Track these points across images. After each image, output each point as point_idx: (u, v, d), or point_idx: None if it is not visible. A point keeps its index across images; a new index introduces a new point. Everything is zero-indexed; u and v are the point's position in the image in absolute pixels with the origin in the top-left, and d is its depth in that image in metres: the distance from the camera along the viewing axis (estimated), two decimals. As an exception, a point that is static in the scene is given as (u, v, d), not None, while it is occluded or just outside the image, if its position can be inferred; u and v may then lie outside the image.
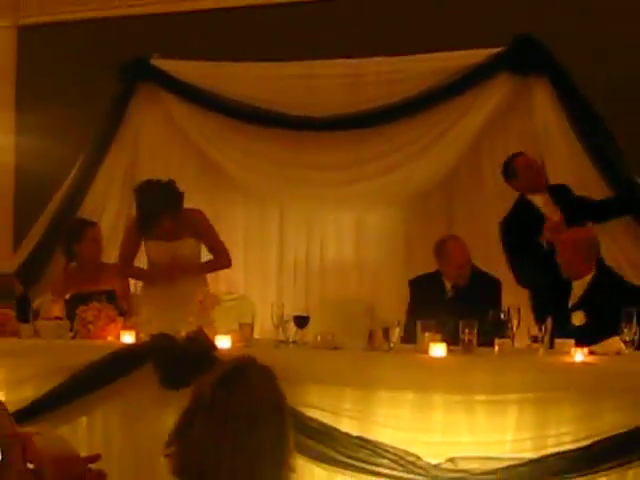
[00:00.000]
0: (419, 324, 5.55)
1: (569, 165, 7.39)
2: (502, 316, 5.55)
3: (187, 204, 6.83)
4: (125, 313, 6.31)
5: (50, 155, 8.73)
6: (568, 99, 7.37)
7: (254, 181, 8.22)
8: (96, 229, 7.28)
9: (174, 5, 8.57)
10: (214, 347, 5.52)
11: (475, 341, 5.36)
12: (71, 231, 7.31)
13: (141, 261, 7.11)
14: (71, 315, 6.07)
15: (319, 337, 5.73)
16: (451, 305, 6.72)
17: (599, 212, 7.15)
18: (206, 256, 7.00)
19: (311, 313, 5.89)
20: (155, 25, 8.61)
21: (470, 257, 7.05)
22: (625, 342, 5.30)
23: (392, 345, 5.52)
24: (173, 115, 8.39)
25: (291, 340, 5.78)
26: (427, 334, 5.47)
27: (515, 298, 6.56)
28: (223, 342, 5.61)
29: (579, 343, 5.28)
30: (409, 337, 5.73)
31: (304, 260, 8.25)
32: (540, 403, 4.99)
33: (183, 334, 5.58)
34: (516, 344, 5.49)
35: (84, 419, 5.63)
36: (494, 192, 7.73)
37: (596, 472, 4.82)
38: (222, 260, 6.95)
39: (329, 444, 5.05)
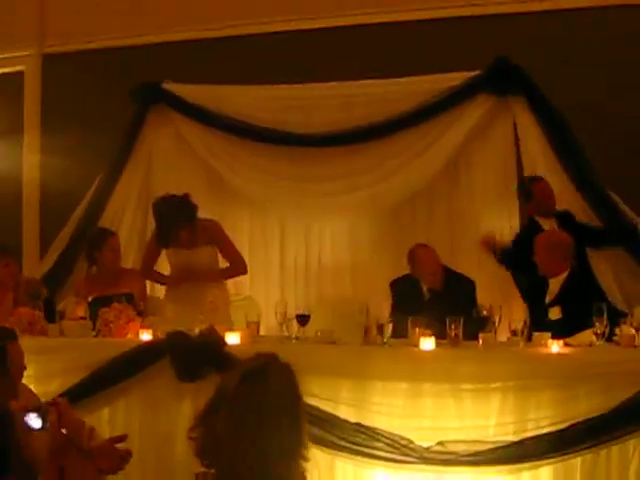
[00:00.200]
0: (410, 320, 5.56)
1: (548, 178, 7.37)
2: (485, 313, 5.57)
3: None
4: (143, 313, 6.30)
5: (72, 172, 8.72)
6: (544, 117, 7.38)
7: (257, 193, 8.21)
8: (115, 238, 7.24)
9: (184, 34, 8.55)
10: (224, 343, 5.53)
11: (461, 335, 5.37)
12: (93, 240, 7.28)
13: (164, 266, 7.14)
14: (93, 316, 6.06)
15: (319, 333, 5.74)
16: (429, 306, 6.74)
17: (597, 240, 7.14)
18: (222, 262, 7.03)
19: (311, 311, 5.87)
20: (166, 52, 8.59)
21: (440, 263, 7.08)
22: (596, 335, 5.31)
23: (385, 340, 5.52)
24: (183, 134, 8.38)
25: (294, 336, 5.78)
26: (417, 329, 5.48)
27: (492, 297, 6.51)
28: (232, 338, 5.62)
29: (555, 336, 5.29)
30: (393, 333, 5.72)
31: (303, 263, 8.24)
32: (521, 390, 5.02)
33: (196, 331, 5.58)
34: (498, 338, 5.51)
35: (106, 410, 5.62)
36: (471, 201, 7.80)
37: (572, 453, 4.84)
38: (239, 268, 7.02)
39: (329, 430, 5.04)
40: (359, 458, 5.08)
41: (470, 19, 7.87)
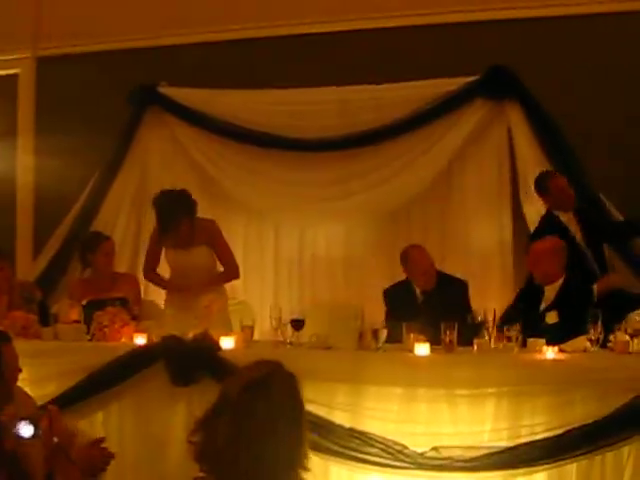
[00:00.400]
0: (404, 326, 5.57)
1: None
2: (479, 318, 5.58)
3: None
4: (137, 317, 6.30)
5: (66, 174, 8.70)
6: (537, 123, 7.43)
7: (251, 197, 8.23)
8: (109, 243, 7.25)
9: (179, 38, 8.55)
10: (219, 348, 5.53)
11: (455, 341, 5.38)
12: (86, 243, 7.29)
13: (164, 269, 7.15)
14: (87, 319, 6.06)
15: (314, 338, 5.74)
16: (423, 309, 6.76)
17: (615, 234, 7.17)
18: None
19: (305, 316, 5.88)
20: (162, 56, 8.61)
21: (433, 262, 7.08)
22: (591, 341, 5.33)
23: (380, 345, 5.54)
24: (178, 137, 8.40)
25: (288, 341, 5.80)
26: (412, 335, 5.49)
27: (485, 303, 6.52)
28: (227, 343, 5.62)
29: (552, 340, 5.32)
30: (388, 340, 5.73)
31: (298, 268, 8.26)
32: (515, 396, 5.02)
33: (191, 336, 5.59)
34: (492, 343, 5.50)
35: (100, 414, 5.63)
36: (465, 205, 7.85)
37: (566, 459, 4.84)
38: (231, 273, 7.01)
39: (324, 435, 5.03)
40: (353, 463, 5.08)
41: (465, 25, 7.90)
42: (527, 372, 5.12)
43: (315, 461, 4.82)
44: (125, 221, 8.38)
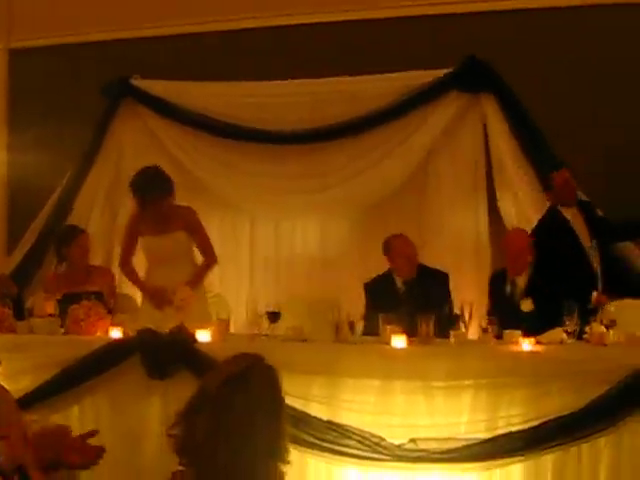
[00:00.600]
0: (381, 318, 5.56)
1: (516, 175, 7.42)
2: (456, 311, 5.59)
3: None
4: (112, 311, 6.27)
5: (40, 168, 8.65)
6: (513, 115, 7.42)
7: (226, 189, 8.21)
8: (84, 236, 7.25)
9: (153, 30, 8.50)
10: (195, 341, 5.51)
11: (432, 333, 5.38)
12: (61, 236, 7.28)
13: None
14: (62, 313, 6.02)
15: (290, 330, 5.73)
16: (404, 300, 6.76)
17: (613, 234, 7.12)
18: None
19: (280, 308, 5.87)
20: (135, 48, 8.56)
21: (416, 250, 7.07)
22: (567, 333, 5.35)
23: (357, 337, 5.53)
24: (152, 129, 8.38)
25: (264, 333, 5.78)
26: (389, 327, 5.48)
27: (463, 296, 6.52)
28: (203, 336, 5.59)
29: (530, 327, 5.38)
30: (368, 333, 5.72)
31: (274, 260, 8.26)
32: (492, 388, 5.01)
33: (167, 329, 5.56)
34: (469, 335, 5.52)
35: (76, 408, 5.60)
36: (441, 198, 7.84)
37: (543, 450, 4.85)
38: (210, 260, 6.95)
39: (301, 427, 5.00)
40: (331, 456, 5.06)
41: (441, 17, 7.90)
42: (504, 364, 5.11)
43: (292, 454, 4.81)
44: (100, 214, 8.36)
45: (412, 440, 4.96)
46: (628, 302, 6.14)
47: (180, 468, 3.01)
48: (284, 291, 7.93)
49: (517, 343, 5.25)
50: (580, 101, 7.49)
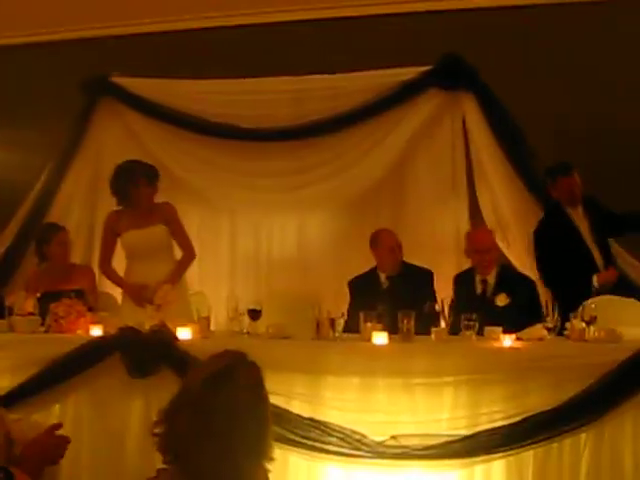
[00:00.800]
0: (362, 315, 5.56)
1: (495, 173, 7.43)
2: (437, 307, 5.59)
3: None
4: (93, 309, 6.24)
5: (19, 166, 8.62)
6: (491, 113, 7.41)
7: (206, 187, 8.17)
8: (64, 233, 7.24)
9: (133, 28, 8.48)
10: (176, 338, 5.49)
11: (413, 330, 5.38)
12: (41, 235, 7.25)
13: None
14: (42, 311, 6.00)
15: (270, 328, 5.71)
16: (387, 295, 6.74)
17: (622, 226, 7.08)
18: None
19: (261, 306, 5.87)
20: (115, 45, 8.53)
21: (401, 244, 7.08)
22: (547, 329, 5.37)
23: (337, 334, 5.52)
24: (131, 127, 8.31)
25: (245, 331, 5.77)
26: (369, 324, 5.48)
27: (443, 294, 6.53)
28: (184, 334, 5.58)
29: (507, 322, 5.41)
30: (350, 330, 5.71)
31: (254, 258, 8.23)
32: (473, 384, 5.02)
33: (147, 327, 5.54)
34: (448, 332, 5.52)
35: (57, 406, 5.55)
36: (420, 195, 7.82)
37: (524, 446, 4.86)
38: (189, 254, 6.97)
39: (283, 425, 4.98)
40: (312, 453, 5.05)
41: (420, 14, 7.89)
42: (485, 360, 5.13)
43: (274, 452, 4.84)
44: (79, 212, 8.28)
45: (394, 437, 4.96)
46: (608, 298, 6.16)
47: (164, 466, 2.99)
48: (264, 288, 7.94)
49: (498, 340, 5.25)
50: (559, 99, 7.49)
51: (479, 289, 6.72)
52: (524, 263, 7.31)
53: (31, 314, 5.99)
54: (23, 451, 3.87)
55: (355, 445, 4.97)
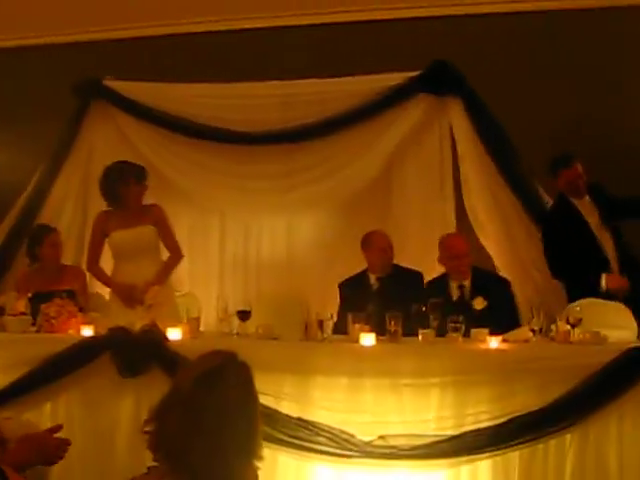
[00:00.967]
0: (350, 316, 5.57)
1: (481, 178, 7.43)
2: (424, 309, 5.59)
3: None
4: (84, 309, 6.24)
5: (11, 167, 8.57)
6: (478, 117, 7.40)
7: (196, 189, 8.15)
8: (55, 234, 7.24)
9: (125, 32, 8.46)
10: (166, 339, 5.49)
11: (400, 331, 5.39)
12: (33, 236, 7.24)
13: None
14: (33, 311, 6.00)
15: (260, 329, 5.71)
16: (377, 296, 6.74)
17: (631, 210, 6.92)
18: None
19: (250, 307, 5.89)
20: (108, 49, 8.50)
21: (392, 245, 7.09)
22: (533, 331, 5.38)
23: (326, 335, 5.53)
24: (123, 130, 8.28)
25: (235, 332, 5.78)
26: (357, 325, 5.48)
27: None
28: (174, 334, 5.58)
29: (486, 324, 5.44)
30: (340, 332, 5.71)
31: (243, 259, 8.20)
32: (460, 385, 5.05)
33: (138, 327, 5.54)
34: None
35: (48, 405, 5.57)
36: (407, 199, 7.80)
37: (510, 446, 4.89)
38: (176, 255, 7.01)
39: (271, 425, 4.99)
40: (301, 452, 5.08)
41: (408, 21, 7.87)
42: (471, 362, 5.16)
43: (264, 451, 4.84)
44: (70, 213, 8.24)
45: (381, 437, 4.99)
46: (593, 301, 6.16)
47: (155, 464, 2.99)
48: (254, 290, 7.92)
49: (484, 341, 5.27)
50: (546, 104, 7.50)
51: (455, 295, 6.71)
52: (508, 266, 7.31)
53: (23, 314, 5.99)
54: (17, 444, 3.85)
55: (343, 445, 4.99)
